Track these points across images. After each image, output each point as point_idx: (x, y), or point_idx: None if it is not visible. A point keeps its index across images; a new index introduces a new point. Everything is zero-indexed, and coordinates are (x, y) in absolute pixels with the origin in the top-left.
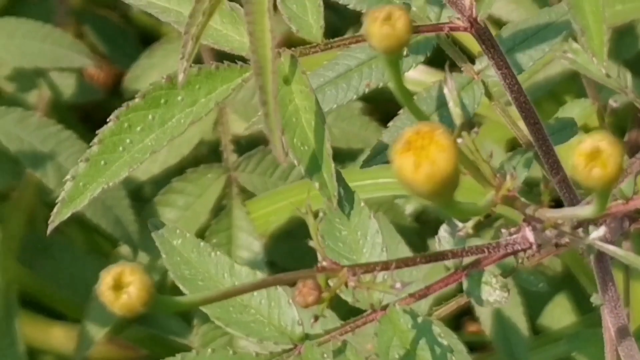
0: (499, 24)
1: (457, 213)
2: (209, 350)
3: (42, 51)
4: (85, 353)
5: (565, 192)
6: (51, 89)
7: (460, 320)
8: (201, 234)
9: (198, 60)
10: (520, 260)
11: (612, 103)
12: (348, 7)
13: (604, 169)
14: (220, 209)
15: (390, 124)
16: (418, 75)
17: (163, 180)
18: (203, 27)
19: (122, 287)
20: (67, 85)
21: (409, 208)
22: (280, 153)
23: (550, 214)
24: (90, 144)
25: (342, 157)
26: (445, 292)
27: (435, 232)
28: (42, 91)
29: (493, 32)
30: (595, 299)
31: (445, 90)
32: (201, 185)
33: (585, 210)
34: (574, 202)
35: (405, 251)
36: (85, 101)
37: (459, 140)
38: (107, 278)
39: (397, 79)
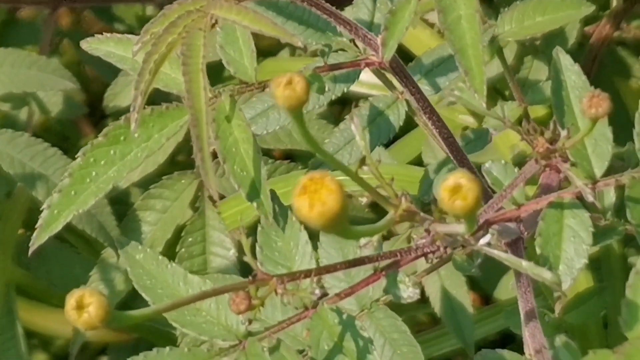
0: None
1: (352, 236)
2: (167, 348)
3: (29, 77)
4: (81, 338)
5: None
6: (39, 107)
7: None
8: (178, 233)
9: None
10: (430, 260)
11: (492, 132)
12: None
13: (464, 201)
14: (194, 210)
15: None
16: (370, 78)
17: (148, 185)
18: (150, 84)
19: (83, 307)
20: (54, 103)
21: (365, 199)
22: (213, 190)
23: (440, 227)
24: (62, 177)
25: (303, 157)
26: None
27: None
28: (32, 108)
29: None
30: (512, 286)
31: (352, 127)
32: (176, 190)
33: (460, 227)
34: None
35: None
36: (71, 117)
37: (365, 168)
38: (70, 300)
39: (302, 128)
